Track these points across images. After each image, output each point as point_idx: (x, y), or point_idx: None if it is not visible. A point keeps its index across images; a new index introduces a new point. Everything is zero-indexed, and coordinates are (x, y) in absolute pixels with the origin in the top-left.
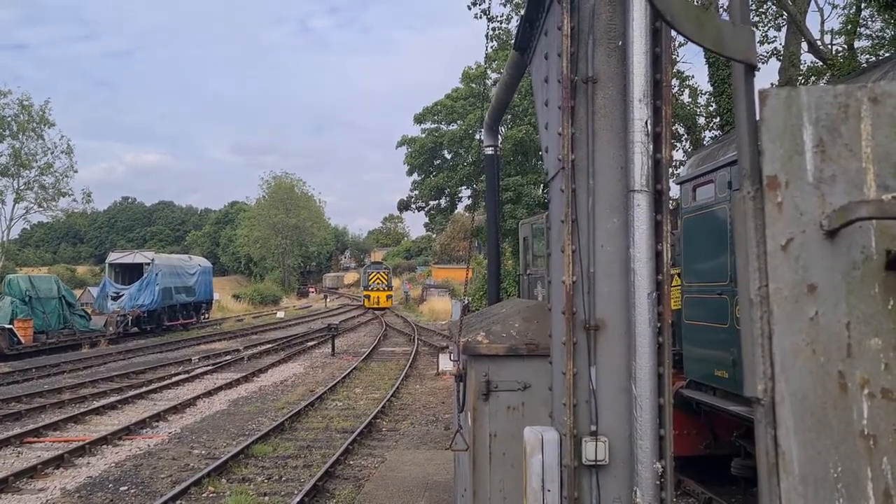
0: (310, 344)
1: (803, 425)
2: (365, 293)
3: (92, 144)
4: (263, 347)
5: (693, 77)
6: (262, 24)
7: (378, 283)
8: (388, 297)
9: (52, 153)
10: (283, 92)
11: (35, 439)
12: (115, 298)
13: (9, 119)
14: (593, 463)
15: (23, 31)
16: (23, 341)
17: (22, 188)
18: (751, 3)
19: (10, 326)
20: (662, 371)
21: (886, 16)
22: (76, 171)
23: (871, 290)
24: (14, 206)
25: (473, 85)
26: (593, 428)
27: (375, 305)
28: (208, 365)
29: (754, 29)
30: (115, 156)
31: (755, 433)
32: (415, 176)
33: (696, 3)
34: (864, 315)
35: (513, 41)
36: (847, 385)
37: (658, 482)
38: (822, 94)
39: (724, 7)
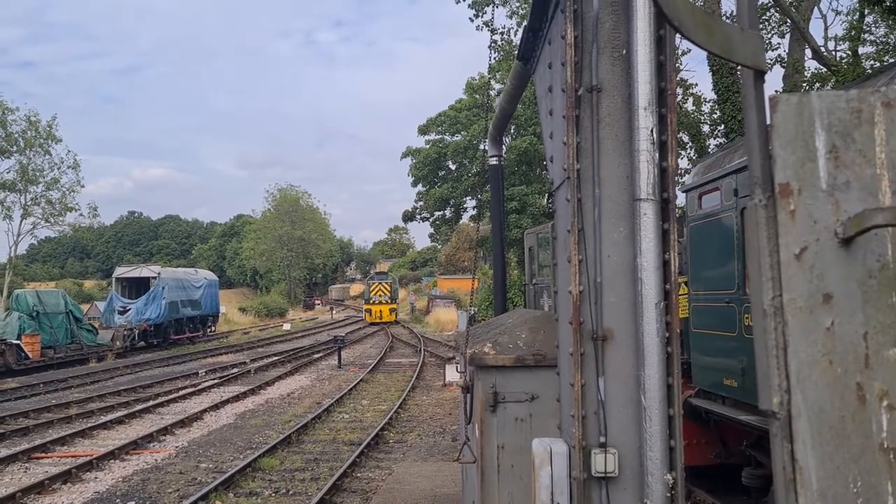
0: (316, 356)
1: (821, 439)
2: (366, 307)
3: (100, 160)
4: (270, 360)
5: (697, 85)
6: (267, 38)
7: (380, 296)
8: (392, 310)
9: (58, 168)
10: (287, 105)
11: (42, 455)
12: (121, 312)
13: (16, 135)
14: (603, 475)
15: (31, 48)
16: (30, 356)
17: (29, 203)
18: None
19: (18, 342)
20: (671, 381)
21: (890, 21)
22: (83, 186)
23: (888, 299)
24: (21, 221)
25: (477, 96)
26: (602, 439)
27: (378, 320)
28: (215, 378)
29: None
30: (122, 171)
31: (771, 447)
32: (419, 187)
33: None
34: (881, 325)
35: (516, 51)
36: (865, 397)
37: (669, 494)
38: (834, 100)
39: (728, 15)
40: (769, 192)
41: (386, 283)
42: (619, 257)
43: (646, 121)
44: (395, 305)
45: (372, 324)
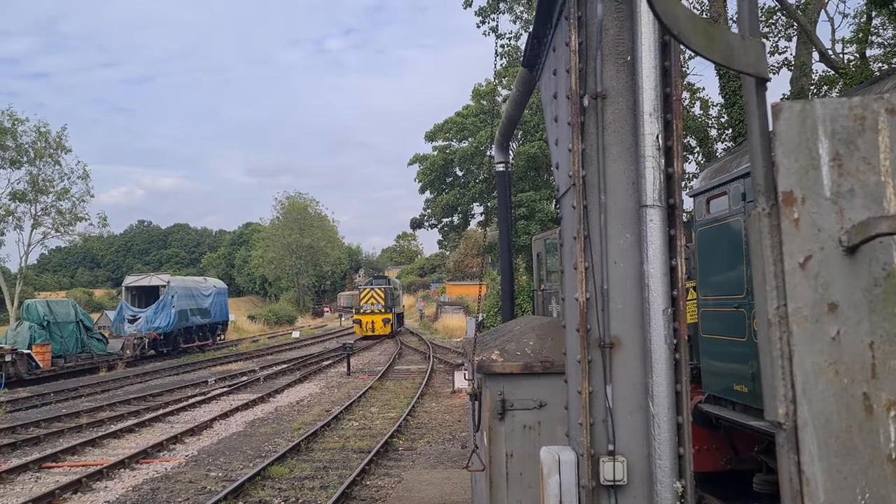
0: (325, 363)
1: (828, 450)
2: (356, 317)
3: (110, 169)
4: (279, 368)
5: (704, 89)
6: (277, 46)
7: (372, 304)
8: (386, 321)
9: (68, 178)
10: (297, 113)
11: (53, 464)
12: (131, 321)
13: (26, 146)
14: (612, 483)
15: (44, 59)
16: (41, 366)
17: (39, 214)
18: (760, 14)
19: (29, 351)
20: (680, 388)
21: None
22: (92, 196)
23: (894, 307)
24: (31, 231)
25: (484, 102)
26: (611, 447)
27: (369, 333)
28: (224, 386)
29: (764, 40)
30: (132, 180)
31: (777, 459)
32: (427, 193)
33: (705, 16)
34: (887, 334)
35: (521, 58)
36: (872, 407)
37: (678, 502)
38: (837, 107)
39: (733, 19)
40: (772, 201)
41: (379, 288)
42: (625, 264)
43: (651, 127)
44: (389, 315)
45: (364, 337)
